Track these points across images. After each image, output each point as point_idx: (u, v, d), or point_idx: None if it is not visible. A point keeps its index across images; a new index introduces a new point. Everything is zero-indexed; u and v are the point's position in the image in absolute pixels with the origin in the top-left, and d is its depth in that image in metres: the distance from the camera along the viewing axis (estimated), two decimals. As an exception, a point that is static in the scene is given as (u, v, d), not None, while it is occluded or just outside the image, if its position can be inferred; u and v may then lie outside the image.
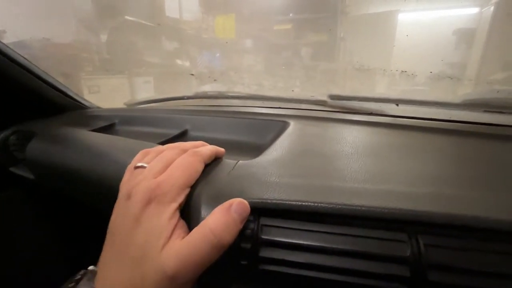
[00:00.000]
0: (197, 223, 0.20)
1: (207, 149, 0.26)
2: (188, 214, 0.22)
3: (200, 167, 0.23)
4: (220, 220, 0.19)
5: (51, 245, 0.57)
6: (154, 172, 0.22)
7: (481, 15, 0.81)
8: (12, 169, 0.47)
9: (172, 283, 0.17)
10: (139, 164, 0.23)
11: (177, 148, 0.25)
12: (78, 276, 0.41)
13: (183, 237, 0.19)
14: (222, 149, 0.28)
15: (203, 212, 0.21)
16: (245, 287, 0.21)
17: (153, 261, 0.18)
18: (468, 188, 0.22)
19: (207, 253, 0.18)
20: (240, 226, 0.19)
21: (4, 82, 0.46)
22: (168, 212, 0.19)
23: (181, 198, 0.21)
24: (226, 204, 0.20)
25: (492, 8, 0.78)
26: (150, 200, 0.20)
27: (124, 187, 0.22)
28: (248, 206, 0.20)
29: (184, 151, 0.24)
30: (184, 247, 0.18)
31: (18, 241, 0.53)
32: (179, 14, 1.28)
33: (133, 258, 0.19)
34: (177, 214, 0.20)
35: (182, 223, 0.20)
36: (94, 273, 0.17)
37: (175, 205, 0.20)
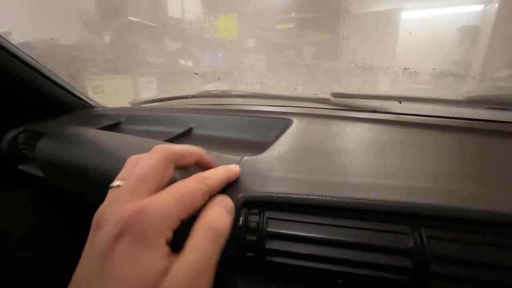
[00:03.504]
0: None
1: (218, 179, 0.20)
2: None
3: (202, 200, 0.17)
4: (208, 214, 0.17)
5: (59, 243, 0.58)
6: (133, 192, 0.16)
7: (485, 13, 0.80)
8: (21, 167, 0.48)
9: None
10: (114, 184, 0.18)
11: (161, 152, 0.19)
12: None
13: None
14: (237, 170, 0.23)
15: (208, 207, 0.21)
16: (252, 279, 0.21)
17: None
18: (471, 183, 0.22)
19: (211, 254, 0.15)
20: (231, 217, 0.18)
21: (13, 82, 0.47)
22: (150, 252, 0.14)
23: (169, 233, 0.15)
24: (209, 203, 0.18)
25: (496, 5, 0.78)
26: (121, 232, 0.14)
27: (96, 214, 0.16)
28: (230, 200, 0.18)
29: (175, 156, 0.19)
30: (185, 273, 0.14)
31: (27, 239, 0.54)
32: (181, 15, 1.29)
33: None
34: (166, 252, 0.15)
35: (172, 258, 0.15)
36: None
37: (161, 241, 0.14)
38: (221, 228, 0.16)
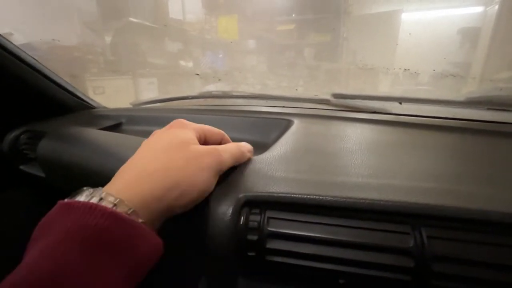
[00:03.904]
0: (206, 216, 0.21)
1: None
2: (197, 209, 0.23)
3: (219, 141, 0.27)
4: (238, 144, 0.26)
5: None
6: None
7: (486, 14, 0.81)
8: (22, 167, 0.48)
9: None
10: None
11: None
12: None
13: None
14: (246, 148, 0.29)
15: (212, 205, 0.21)
16: (252, 278, 0.21)
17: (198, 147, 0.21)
18: (471, 183, 0.22)
19: (232, 158, 0.24)
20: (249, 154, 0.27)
21: (15, 82, 0.47)
22: (187, 131, 0.23)
23: (198, 133, 0.24)
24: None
25: (496, 6, 0.78)
26: (171, 125, 0.24)
27: None
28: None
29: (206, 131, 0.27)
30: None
31: (28, 239, 0.54)
32: (182, 16, 1.29)
33: (169, 147, 0.21)
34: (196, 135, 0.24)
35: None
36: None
37: (194, 132, 0.24)
38: (245, 153, 0.26)
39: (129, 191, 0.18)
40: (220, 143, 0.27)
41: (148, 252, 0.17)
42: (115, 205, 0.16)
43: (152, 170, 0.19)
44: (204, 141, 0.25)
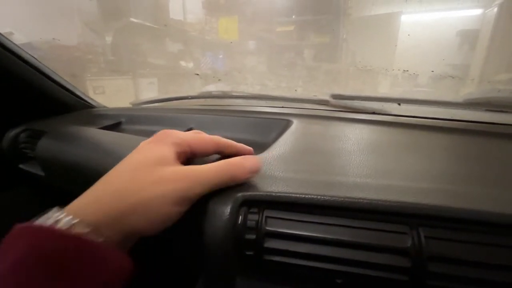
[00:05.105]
0: (204, 215, 0.21)
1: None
2: (196, 207, 0.23)
3: (209, 148, 0.24)
4: (237, 160, 0.22)
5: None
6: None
7: (484, 16, 0.81)
8: (21, 166, 0.48)
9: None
10: None
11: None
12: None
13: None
14: (250, 150, 0.27)
15: (210, 204, 0.21)
16: (250, 278, 0.21)
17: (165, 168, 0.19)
18: (469, 183, 0.22)
19: (218, 180, 0.21)
20: (250, 173, 0.22)
21: (15, 81, 0.47)
22: (164, 147, 0.21)
23: (179, 146, 0.22)
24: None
25: (495, 9, 0.78)
26: (150, 141, 0.22)
27: None
28: (259, 162, 0.23)
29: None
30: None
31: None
32: (183, 16, 1.29)
33: (131, 169, 0.19)
34: (176, 151, 0.22)
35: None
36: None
37: (173, 146, 0.21)
38: (236, 175, 0.21)
39: (89, 210, 0.17)
40: (213, 153, 0.25)
41: (109, 270, 0.16)
42: (72, 225, 0.16)
43: (113, 189, 0.18)
44: (190, 154, 0.23)
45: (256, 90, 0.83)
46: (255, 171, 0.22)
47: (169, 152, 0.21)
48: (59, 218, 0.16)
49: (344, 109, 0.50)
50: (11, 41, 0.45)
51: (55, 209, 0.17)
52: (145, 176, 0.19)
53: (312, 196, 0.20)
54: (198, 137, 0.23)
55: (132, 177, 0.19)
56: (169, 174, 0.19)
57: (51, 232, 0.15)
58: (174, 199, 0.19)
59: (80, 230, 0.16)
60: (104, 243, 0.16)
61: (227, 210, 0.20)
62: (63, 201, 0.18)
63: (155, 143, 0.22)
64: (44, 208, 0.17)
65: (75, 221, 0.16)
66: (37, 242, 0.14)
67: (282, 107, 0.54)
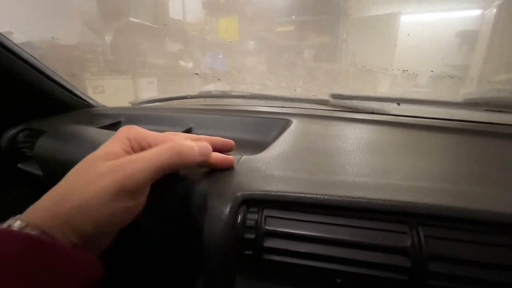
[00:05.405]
0: (203, 215, 0.21)
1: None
2: (194, 206, 0.23)
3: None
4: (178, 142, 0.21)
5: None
6: None
7: (483, 17, 0.81)
8: (20, 165, 0.48)
9: None
10: None
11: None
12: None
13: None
14: (227, 141, 0.27)
15: (209, 203, 0.21)
16: (250, 277, 0.21)
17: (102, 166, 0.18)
18: (468, 183, 0.22)
19: (160, 161, 0.19)
20: (198, 151, 0.22)
21: (14, 80, 0.47)
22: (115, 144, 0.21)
23: (128, 141, 0.21)
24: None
25: (494, 10, 0.79)
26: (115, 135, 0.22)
27: None
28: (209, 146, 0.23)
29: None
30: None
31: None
32: (182, 16, 1.29)
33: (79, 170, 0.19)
34: (126, 146, 0.21)
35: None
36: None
37: (124, 143, 0.21)
38: (185, 154, 0.20)
39: (38, 214, 0.17)
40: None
41: (64, 268, 0.16)
42: (22, 228, 0.16)
43: (60, 191, 0.18)
44: (139, 149, 0.21)
45: (255, 89, 0.83)
46: (206, 155, 0.22)
47: (117, 146, 0.20)
48: (10, 223, 0.16)
49: (344, 108, 0.50)
50: (11, 40, 0.45)
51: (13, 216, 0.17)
52: (87, 174, 0.18)
53: (312, 195, 0.20)
54: (145, 133, 0.22)
55: (76, 176, 0.19)
56: (106, 168, 0.18)
57: (4, 234, 0.15)
58: (113, 193, 0.17)
59: (29, 231, 0.16)
60: (52, 239, 0.16)
61: (226, 209, 0.20)
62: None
63: (109, 140, 0.21)
64: None
65: (23, 224, 0.16)
66: None
67: (282, 106, 0.54)
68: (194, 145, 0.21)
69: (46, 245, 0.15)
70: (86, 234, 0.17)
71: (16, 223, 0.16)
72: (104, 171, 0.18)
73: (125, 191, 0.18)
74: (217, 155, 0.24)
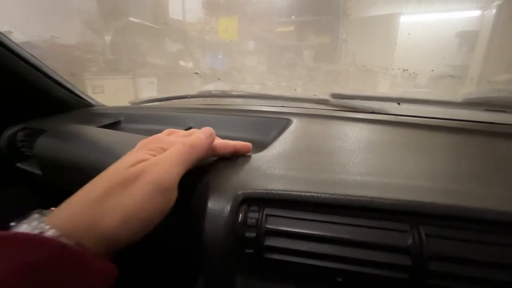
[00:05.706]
0: (204, 213, 0.21)
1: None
2: (194, 205, 0.23)
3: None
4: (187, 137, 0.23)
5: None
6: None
7: (483, 18, 0.81)
8: (19, 164, 0.48)
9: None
10: None
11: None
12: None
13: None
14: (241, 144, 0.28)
15: (210, 202, 0.21)
16: (250, 276, 0.21)
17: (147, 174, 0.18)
18: (469, 182, 0.22)
19: (183, 155, 0.21)
20: (206, 139, 0.24)
21: (14, 79, 0.47)
22: (140, 153, 0.21)
23: (153, 151, 0.21)
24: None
25: (494, 10, 0.79)
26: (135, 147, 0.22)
27: None
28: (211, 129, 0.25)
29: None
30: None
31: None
32: (182, 16, 1.30)
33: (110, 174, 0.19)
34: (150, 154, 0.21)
35: None
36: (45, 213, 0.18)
37: (148, 153, 0.21)
38: (194, 142, 0.22)
39: (75, 221, 0.17)
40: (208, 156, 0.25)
41: (90, 276, 0.15)
42: (59, 236, 0.15)
43: (92, 197, 0.18)
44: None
45: (255, 89, 0.83)
46: (210, 134, 0.25)
47: (141, 152, 0.21)
48: (42, 229, 0.15)
49: (344, 108, 0.50)
50: (10, 40, 0.45)
51: (34, 216, 0.16)
52: (115, 179, 0.18)
53: (313, 194, 0.20)
54: (186, 143, 0.22)
55: (107, 184, 0.18)
56: (138, 170, 0.19)
57: (38, 242, 0.14)
58: (147, 194, 0.18)
59: (51, 234, 0.15)
60: (85, 250, 0.16)
61: (227, 208, 0.20)
62: (60, 200, 0.18)
63: (135, 150, 0.22)
64: (42, 207, 0.17)
65: (59, 233, 0.15)
66: (25, 253, 0.14)
67: (282, 106, 0.54)
68: (197, 133, 0.24)
69: (78, 255, 0.15)
70: (121, 244, 0.17)
71: (50, 231, 0.15)
72: (137, 173, 0.18)
73: (163, 188, 0.19)
74: (237, 143, 0.27)
